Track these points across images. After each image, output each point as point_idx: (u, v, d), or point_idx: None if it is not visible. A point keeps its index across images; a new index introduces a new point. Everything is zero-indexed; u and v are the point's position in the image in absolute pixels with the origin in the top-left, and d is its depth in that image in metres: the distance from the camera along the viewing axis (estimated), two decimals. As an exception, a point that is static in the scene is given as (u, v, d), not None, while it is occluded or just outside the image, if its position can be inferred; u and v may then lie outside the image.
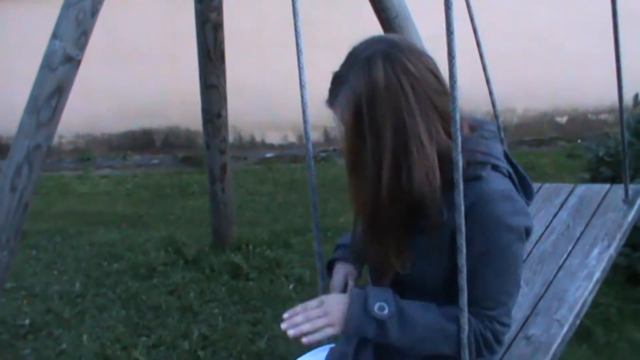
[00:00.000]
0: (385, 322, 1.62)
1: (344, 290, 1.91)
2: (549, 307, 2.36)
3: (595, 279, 2.45)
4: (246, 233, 5.24)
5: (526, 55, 7.76)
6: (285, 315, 1.66)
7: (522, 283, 1.79)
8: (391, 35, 1.66)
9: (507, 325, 1.68)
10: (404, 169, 1.57)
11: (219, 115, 4.33)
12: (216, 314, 4.09)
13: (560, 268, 2.55)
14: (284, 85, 8.03)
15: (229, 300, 4.27)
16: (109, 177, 7.73)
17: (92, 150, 8.56)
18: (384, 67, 1.54)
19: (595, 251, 2.57)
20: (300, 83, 2.04)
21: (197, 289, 4.40)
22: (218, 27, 4.03)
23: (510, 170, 1.71)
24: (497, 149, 1.70)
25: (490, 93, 2.91)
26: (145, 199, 6.84)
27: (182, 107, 7.88)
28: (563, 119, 8.56)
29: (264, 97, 7.91)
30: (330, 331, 1.63)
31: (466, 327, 1.58)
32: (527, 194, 1.77)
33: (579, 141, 8.23)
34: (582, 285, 2.43)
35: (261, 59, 7.81)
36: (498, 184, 1.60)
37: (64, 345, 3.75)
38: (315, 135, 8.64)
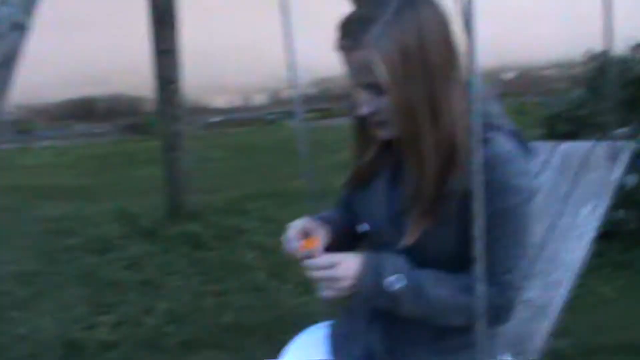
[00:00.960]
0: (398, 296, 1.54)
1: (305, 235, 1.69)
2: (544, 270, 2.31)
3: (587, 238, 2.41)
4: (201, 201, 5.11)
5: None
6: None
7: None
8: None
9: (520, 289, 1.62)
10: (447, 112, 1.49)
11: (173, 81, 4.16)
12: (179, 287, 3.97)
13: (550, 229, 2.50)
14: (230, 49, 7.88)
15: (190, 272, 4.16)
16: (51, 148, 7.49)
17: (33, 121, 8.25)
18: (426, 9, 1.46)
19: (585, 211, 2.53)
20: (290, 51, 1.87)
21: (156, 262, 4.27)
22: (171, -11, 3.86)
23: (512, 127, 1.64)
24: (497, 107, 1.63)
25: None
26: (92, 170, 6.64)
27: (125, 74, 7.65)
28: (509, 75, 8.61)
29: (209, 60, 7.71)
30: (332, 295, 1.53)
31: (482, 296, 1.51)
32: (527, 150, 1.69)
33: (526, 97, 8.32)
34: (575, 245, 2.39)
35: (207, 21, 7.60)
36: (503, 145, 1.53)
37: (22, 330, 3.56)
38: (262, 98, 8.51)
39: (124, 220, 4.85)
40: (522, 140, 1.66)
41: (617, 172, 2.73)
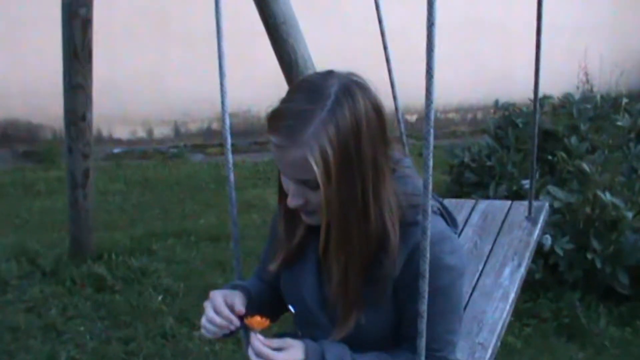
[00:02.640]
0: None
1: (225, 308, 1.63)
2: (470, 330, 2.35)
3: (511, 299, 2.48)
4: (105, 239, 4.93)
5: (380, 54, 7.82)
6: None
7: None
8: (338, 70, 1.52)
9: None
10: (377, 205, 1.50)
11: (83, 118, 4.01)
12: (83, 332, 3.79)
13: (474, 288, 2.54)
14: (133, 79, 7.71)
15: (95, 315, 3.98)
16: (-61, 175, 7.06)
17: None
18: (363, 99, 1.44)
19: (507, 270, 2.60)
20: (222, 89, 1.82)
21: (58, 305, 4.06)
22: (87, 23, 3.72)
23: (440, 206, 1.66)
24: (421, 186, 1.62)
25: (395, 98, 2.93)
26: (-16, 199, 6.29)
27: (23, 98, 7.35)
28: (413, 118, 8.76)
29: (111, 90, 7.51)
30: None
31: None
32: (454, 225, 1.72)
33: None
34: (499, 306, 2.45)
35: (109, 50, 7.41)
36: (434, 225, 1.51)
37: None
38: (165, 130, 8.37)
39: (23, 257, 4.60)
40: (449, 216, 1.69)
41: (536, 231, 2.82)
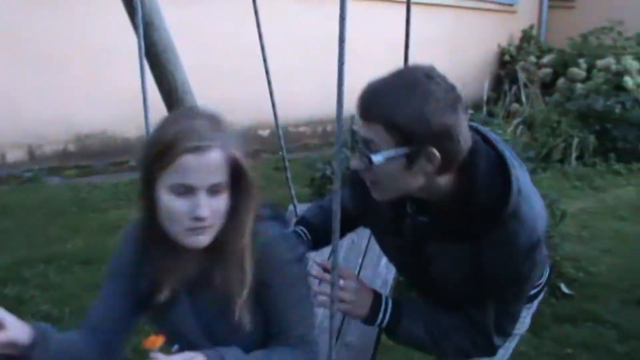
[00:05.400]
0: None
1: None
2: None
3: (389, 285, 2.78)
4: (-27, 271, 4.85)
5: (237, 71, 7.94)
6: None
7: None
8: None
9: (316, 342, 1.89)
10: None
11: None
12: (-39, 368, 3.74)
13: None
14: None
15: (-27, 349, 3.92)
16: None
17: None
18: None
19: (383, 261, 2.90)
20: (144, 101, 2.00)
21: None
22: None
23: (270, 212, 1.93)
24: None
25: (273, 105, 3.22)
26: None
27: None
28: (265, 132, 8.97)
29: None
30: None
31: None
32: (286, 224, 2.01)
33: (280, 153, 8.69)
34: (381, 292, 2.74)
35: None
36: (272, 229, 1.84)
37: None
38: (18, 154, 8.14)
39: None
40: (282, 220, 1.98)
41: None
